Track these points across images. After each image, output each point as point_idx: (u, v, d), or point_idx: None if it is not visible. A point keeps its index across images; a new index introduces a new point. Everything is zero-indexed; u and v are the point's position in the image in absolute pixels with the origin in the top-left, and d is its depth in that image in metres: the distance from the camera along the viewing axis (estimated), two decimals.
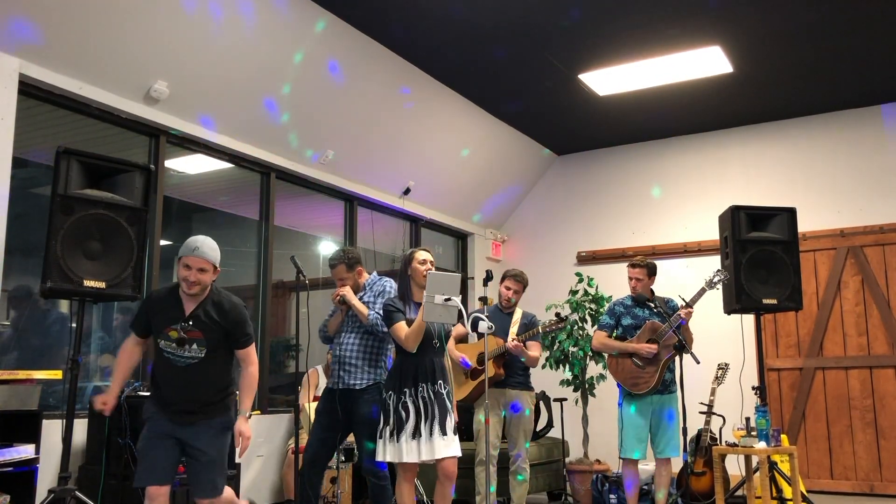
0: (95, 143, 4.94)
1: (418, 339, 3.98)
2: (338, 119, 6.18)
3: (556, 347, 6.64)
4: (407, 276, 4.20)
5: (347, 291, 4.44)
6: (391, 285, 4.53)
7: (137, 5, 4.54)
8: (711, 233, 6.63)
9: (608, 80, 6.51)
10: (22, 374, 3.93)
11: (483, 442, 4.91)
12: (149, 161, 5.16)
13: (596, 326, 5.50)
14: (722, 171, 7.72)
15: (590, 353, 6.54)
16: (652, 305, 5.07)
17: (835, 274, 7.07)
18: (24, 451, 3.73)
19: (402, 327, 4.03)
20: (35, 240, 4.26)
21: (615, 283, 6.58)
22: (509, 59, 6.17)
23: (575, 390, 6.71)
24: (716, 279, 5.01)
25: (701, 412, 5.73)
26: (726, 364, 5.92)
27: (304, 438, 5.07)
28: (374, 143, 6.67)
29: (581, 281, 6.89)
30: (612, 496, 6.06)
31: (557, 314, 5.12)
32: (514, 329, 5.12)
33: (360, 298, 4.46)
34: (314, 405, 5.02)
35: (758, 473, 4.88)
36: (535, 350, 5.06)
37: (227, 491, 3.66)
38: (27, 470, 3.75)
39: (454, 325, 4.16)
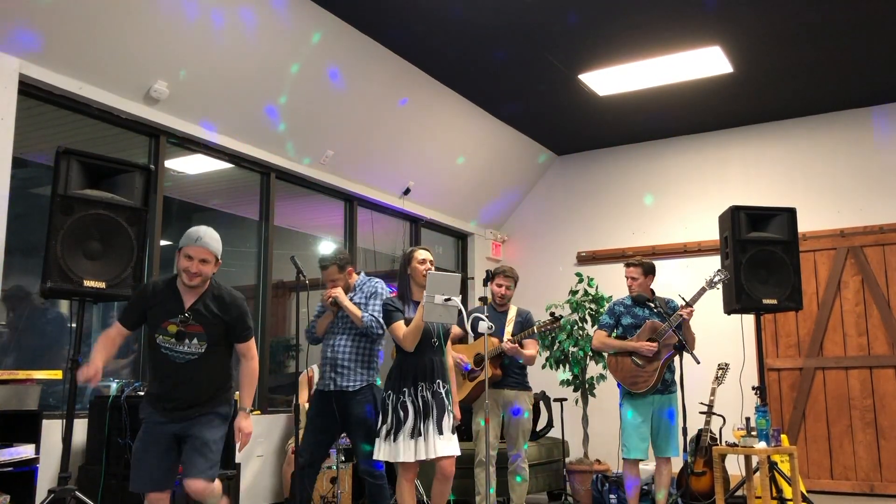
0: (95, 144, 4.94)
1: (416, 338, 3.98)
2: (338, 119, 6.18)
3: (556, 347, 6.64)
4: (406, 275, 4.21)
5: (339, 293, 4.43)
6: (382, 286, 4.54)
7: (138, 6, 4.54)
8: (711, 233, 6.63)
9: (608, 80, 6.51)
10: (22, 374, 3.94)
11: (482, 442, 4.92)
12: (149, 161, 5.17)
13: (596, 326, 5.50)
14: (722, 171, 7.72)
15: (590, 353, 6.54)
16: (652, 305, 5.07)
17: (835, 274, 7.07)
18: (24, 451, 3.73)
19: (400, 326, 4.04)
20: (35, 240, 4.26)
21: (615, 283, 6.58)
22: (509, 60, 6.17)
23: (575, 390, 6.71)
24: (716, 279, 5.00)
25: (701, 412, 5.73)
26: (726, 364, 5.92)
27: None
28: (374, 144, 6.67)
29: (581, 281, 6.89)
30: (612, 496, 6.06)
31: (552, 313, 5.12)
32: (509, 328, 5.12)
33: (351, 299, 4.46)
34: None
35: (758, 473, 4.88)
36: (531, 349, 5.05)
37: (218, 484, 3.54)
38: (27, 470, 3.75)
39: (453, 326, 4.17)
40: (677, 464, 5.43)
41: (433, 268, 4.16)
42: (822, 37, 5.81)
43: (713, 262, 6.84)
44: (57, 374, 4.07)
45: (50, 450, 4.10)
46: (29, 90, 4.44)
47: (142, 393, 4.30)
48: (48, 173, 3.85)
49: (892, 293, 6.84)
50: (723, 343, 6.27)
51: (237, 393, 3.66)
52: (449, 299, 3.79)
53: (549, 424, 6.71)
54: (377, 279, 4.62)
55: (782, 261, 5.17)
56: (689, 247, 7.72)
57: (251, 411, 3.60)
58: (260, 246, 6.09)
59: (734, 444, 4.98)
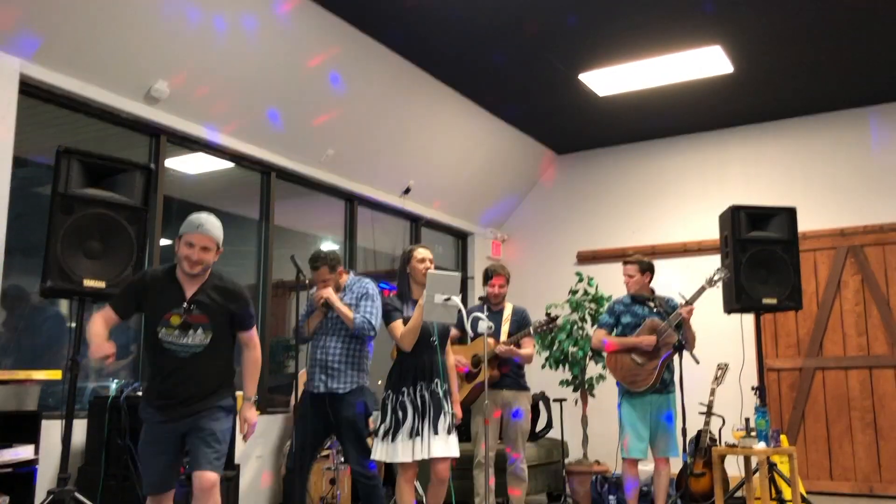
0: (96, 143, 4.93)
1: (414, 338, 3.99)
2: (338, 118, 6.18)
3: (555, 347, 6.64)
4: (406, 274, 4.21)
5: (330, 294, 4.42)
6: (373, 286, 4.54)
7: (138, 5, 4.53)
8: (711, 233, 6.62)
9: (608, 80, 6.51)
10: (21, 375, 3.93)
11: (481, 443, 4.92)
12: (149, 161, 5.16)
13: (596, 325, 5.50)
14: (722, 171, 7.72)
15: (589, 354, 6.54)
16: (652, 304, 5.07)
17: (835, 274, 7.07)
18: (24, 451, 3.73)
19: (398, 326, 4.04)
20: (35, 240, 4.26)
21: (615, 282, 6.56)
22: (509, 60, 6.16)
23: (574, 391, 6.70)
24: (716, 277, 5.00)
25: (700, 413, 5.72)
26: (726, 364, 5.91)
27: None
28: (375, 143, 6.66)
29: (581, 281, 6.89)
30: (611, 497, 6.06)
31: (548, 314, 5.10)
32: (505, 327, 5.11)
33: (341, 299, 4.45)
34: None
35: (757, 474, 4.88)
36: (527, 348, 5.03)
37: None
38: (26, 471, 3.75)
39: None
40: (676, 465, 5.43)
41: (433, 267, 4.16)
42: (822, 37, 5.80)
43: (713, 262, 6.81)
44: (56, 375, 4.06)
45: (49, 450, 4.10)
46: (29, 90, 4.44)
47: (141, 393, 4.30)
48: (48, 173, 3.85)
49: (892, 293, 6.84)
50: (722, 343, 6.27)
51: (238, 393, 3.64)
52: (449, 299, 3.79)
53: (549, 425, 6.71)
54: (367, 279, 4.61)
55: (782, 260, 5.17)
56: (689, 246, 7.72)
57: (256, 399, 3.53)
58: (260, 246, 6.09)
59: (733, 445, 4.98)
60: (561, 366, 6.66)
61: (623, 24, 5.58)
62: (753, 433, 4.83)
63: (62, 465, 3.69)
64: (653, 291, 5.23)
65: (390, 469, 5.68)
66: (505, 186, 8.42)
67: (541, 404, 6.66)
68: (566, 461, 6.64)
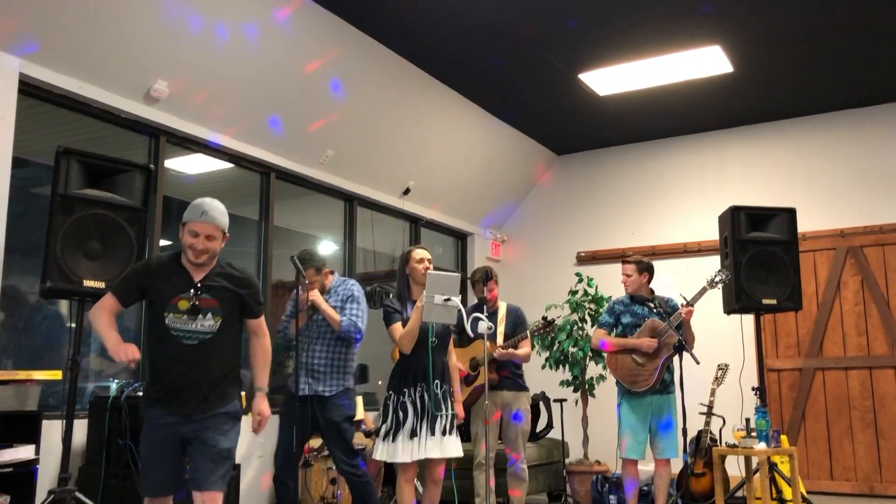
0: (95, 143, 4.93)
1: (412, 340, 4.01)
2: (338, 119, 6.17)
3: (556, 348, 6.64)
4: (405, 275, 4.21)
5: (317, 296, 4.42)
6: (358, 288, 4.54)
7: (138, 6, 4.53)
8: (711, 233, 6.62)
9: (608, 80, 6.51)
10: (22, 375, 3.93)
11: (481, 444, 4.92)
12: (149, 161, 5.16)
13: (596, 325, 5.50)
14: (722, 171, 7.72)
15: (590, 354, 6.53)
16: (651, 304, 5.06)
17: (834, 274, 7.07)
18: (24, 451, 3.73)
19: (398, 328, 4.05)
20: (35, 240, 4.26)
21: (615, 283, 6.56)
22: (509, 59, 6.16)
23: (575, 391, 6.71)
24: (717, 279, 5.00)
25: (701, 413, 5.72)
26: (726, 364, 5.92)
27: None
28: (374, 144, 6.66)
29: (581, 281, 6.89)
30: (612, 497, 6.06)
31: (544, 318, 5.10)
32: (501, 328, 5.10)
33: (326, 301, 4.45)
34: None
35: (758, 474, 4.88)
36: (523, 349, 5.02)
37: None
38: (27, 470, 3.75)
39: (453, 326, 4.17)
40: (677, 465, 5.43)
41: (432, 267, 4.16)
42: (822, 37, 5.81)
43: (713, 262, 6.84)
44: (57, 375, 4.07)
45: (50, 450, 4.10)
46: (29, 90, 4.43)
47: (142, 393, 4.29)
48: (48, 173, 3.85)
49: (891, 293, 6.84)
50: (722, 343, 6.27)
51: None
52: (449, 299, 3.79)
53: (549, 425, 6.71)
54: (352, 280, 4.62)
55: (782, 261, 5.17)
56: (689, 247, 7.72)
57: (268, 391, 3.38)
58: (260, 246, 6.09)
59: (734, 445, 4.98)
60: (561, 366, 6.66)
61: (623, 24, 5.58)
62: (754, 433, 4.83)
63: (63, 464, 3.68)
64: (652, 292, 5.23)
65: (390, 469, 5.68)
66: (505, 187, 8.42)
67: (541, 404, 6.66)
68: (567, 461, 6.64)
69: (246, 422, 3.40)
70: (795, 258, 5.20)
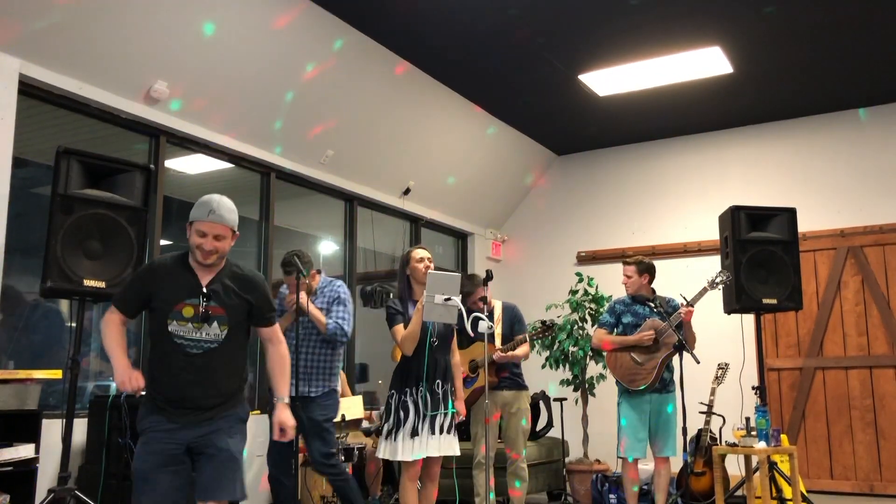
0: (95, 143, 4.94)
1: (413, 342, 4.03)
2: (338, 119, 6.18)
3: (556, 347, 6.64)
4: (406, 275, 4.22)
5: (304, 300, 4.41)
6: (345, 290, 4.55)
7: (138, 6, 4.54)
8: (711, 233, 6.63)
9: (608, 80, 6.51)
10: (22, 374, 3.94)
11: (481, 444, 4.92)
12: (149, 161, 5.17)
13: (596, 325, 5.50)
14: (722, 171, 7.72)
15: (590, 353, 6.54)
16: (652, 304, 5.07)
17: (835, 274, 7.07)
18: (24, 450, 3.74)
19: (400, 330, 4.07)
20: (35, 240, 4.26)
21: (615, 283, 6.57)
22: (509, 60, 6.17)
23: (575, 390, 6.71)
24: (718, 279, 5.01)
25: (701, 412, 5.72)
26: (726, 364, 5.92)
27: None
28: (374, 144, 6.67)
29: (581, 281, 6.89)
30: (611, 496, 6.06)
31: (543, 321, 5.09)
32: (498, 329, 5.09)
33: (313, 302, 4.45)
34: None
35: (758, 473, 4.88)
36: (522, 349, 5.01)
37: None
38: (27, 469, 3.75)
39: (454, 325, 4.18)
40: (677, 464, 5.43)
41: (432, 266, 4.18)
42: (822, 37, 5.81)
43: (713, 262, 6.84)
44: (56, 374, 4.07)
45: (50, 449, 4.10)
46: (29, 90, 4.44)
47: (142, 393, 4.29)
48: (48, 173, 3.86)
49: (892, 293, 6.84)
50: (723, 343, 6.27)
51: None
52: (449, 299, 3.79)
53: (549, 424, 6.71)
54: (339, 281, 4.62)
55: (782, 261, 5.17)
56: (689, 247, 7.72)
57: (288, 400, 3.17)
58: (260, 246, 6.09)
59: (734, 444, 4.98)
60: (561, 365, 6.66)
61: (623, 24, 5.59)
62: (754, 432, 4.83)
63: (63, 463, 3.68)
64: (653, 292, 5.23)
65: (390, 468, 5.69)
66: (505, 187, 8.43)
67: (541, 404, 6.66)
68: (566, 460, 6.64)
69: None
70: (796, 258, 5.20)
